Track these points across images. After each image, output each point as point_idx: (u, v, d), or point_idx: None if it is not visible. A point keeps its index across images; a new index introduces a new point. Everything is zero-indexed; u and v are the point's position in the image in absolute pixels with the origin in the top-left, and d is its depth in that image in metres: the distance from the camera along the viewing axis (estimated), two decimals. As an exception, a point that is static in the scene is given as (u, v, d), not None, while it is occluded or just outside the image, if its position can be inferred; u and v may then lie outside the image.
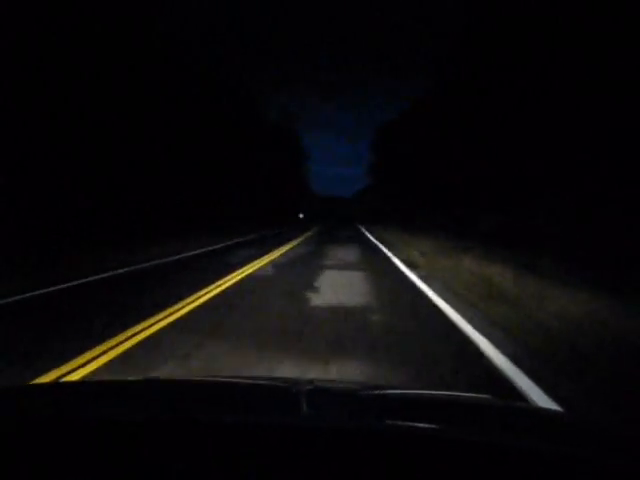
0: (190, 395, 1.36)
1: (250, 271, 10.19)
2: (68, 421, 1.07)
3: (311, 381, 1.56)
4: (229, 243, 19.72)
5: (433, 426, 1.06)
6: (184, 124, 26.85)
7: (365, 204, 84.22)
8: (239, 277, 9.21)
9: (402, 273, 10.08)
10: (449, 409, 1.30)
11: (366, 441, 0.97)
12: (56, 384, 2.96)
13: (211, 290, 7.57)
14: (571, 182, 13.98)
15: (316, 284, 8.40)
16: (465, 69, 25.47)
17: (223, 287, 7.98)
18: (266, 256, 13.51)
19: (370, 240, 22.27)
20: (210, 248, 16.83)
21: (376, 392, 1.51)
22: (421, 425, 1.06)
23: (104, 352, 4.21)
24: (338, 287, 8.04)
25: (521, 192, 17.72)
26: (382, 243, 19.57)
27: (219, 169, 35.63)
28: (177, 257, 13.36)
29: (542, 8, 14.83)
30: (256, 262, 11.90)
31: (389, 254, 14.45)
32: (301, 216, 64.44)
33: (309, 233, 29.32)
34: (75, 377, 3.60)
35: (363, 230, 32.74)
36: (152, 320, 5.41)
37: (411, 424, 1.07)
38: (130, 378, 2.25)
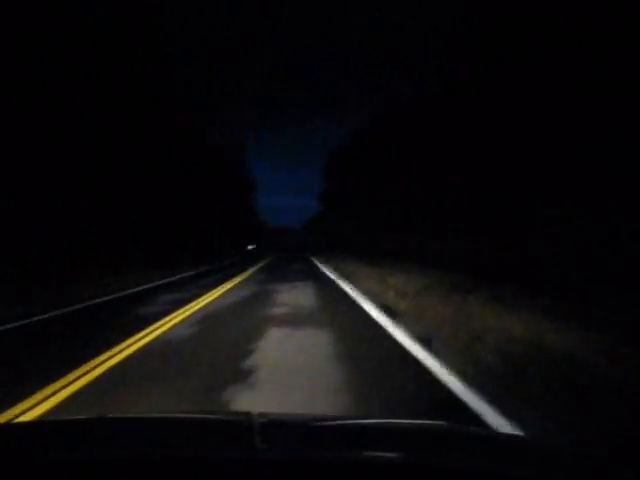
0: (143, 432, 1.33)
1: (163, 329, 7.02)
2: (18, 463, 1.03)
3: (264, 414, 1.49)
4: (157, 283, 15.58)
5: (389, 455, 1.05)
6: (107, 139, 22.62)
7: (316, 233, 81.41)
8: (144, 341, 6.16)
9: (387, 335, 6.38)
10: (405, 437, 1.29)
11: (321, 473, 0.96)
12: (5, 425, 2.68)
13: (81, 376, 4.30)
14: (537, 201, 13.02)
15: (251, 362, 4.96)
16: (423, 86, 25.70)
17: (105, 367, 4.88)
18: (194, 302, 10.01)
19: (328, 276, 18.11)
20: (129, 291, 12.90)
21: (330, 423, 1.51)
22: (377, 454, 1.06)
23: None
24: (287, 372, 4.59)
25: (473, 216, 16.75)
26: (343, 279, 15.92)
27: (157, 196, 31.60)
28: (71, 309, 9.60)
29: (536, 7, 13.94)
30: (178, 312, 8.67)
31: (358, 297, 10.60)
32: (249, 247, 60.47)
33: (255, 268, 25.83)
34: None
35: (317, 263, 28.62)
36: None
37: (367, 454, 1.06)
38: (81, 417, 2.15)
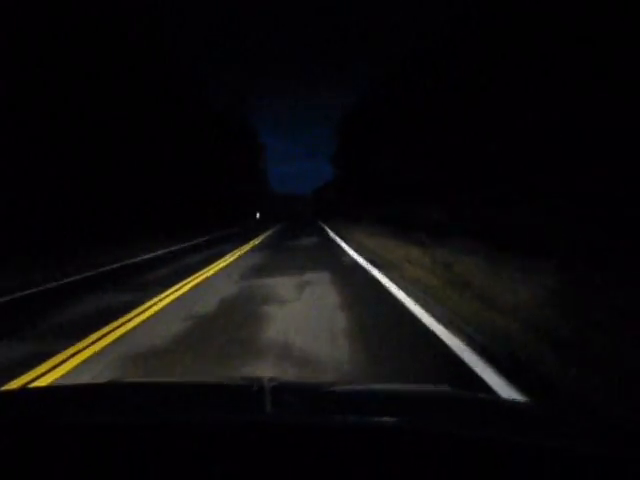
0: (155, 397, 1.36)
1: (177, 294, 7.19)
2: (35, 427, 1.06)
3: (274, 379, 1.57)
4: (167, 250, 16.14)
5: (398, 420, 1.07)
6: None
7: (327, 201, 79.74)
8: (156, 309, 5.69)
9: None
10: (413, 402, 1.32)
11: (331, 436, 0.98)
12: (22, 390, 2.91)
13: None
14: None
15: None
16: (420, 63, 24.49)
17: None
18: (205, 270, 10.06)
19: (346, 250, 14.90)
20: (135, 260, 13.25)
21: (339, 388, 1.60)
22: (386, 419, 1.07)
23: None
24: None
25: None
26: (367, 256, 12.71)
27: (163, 164, 29.99)
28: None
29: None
30: (198, 274, 9.31)
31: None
32: (258, 216, 59.10)
33: (255, 242, 24.52)
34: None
35: (329, 231, 26.82)
36: None
37: (376, 419, 1.08)
38: (94, 382, 2.53)
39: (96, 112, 19.63)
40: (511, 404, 1.78)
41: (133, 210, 24.25)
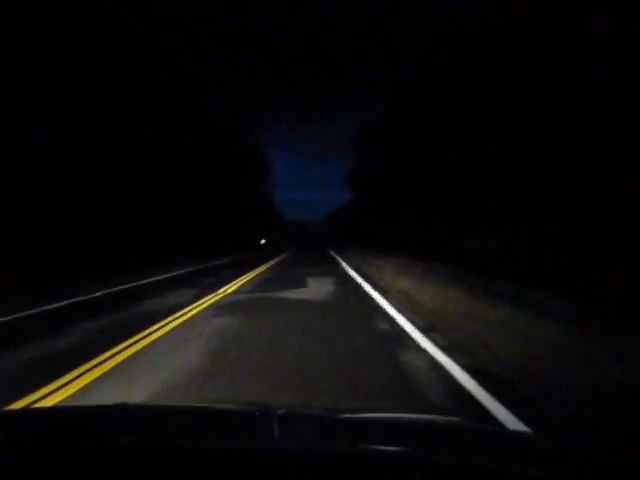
0: (162, 421, 1.36)
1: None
2: (37, 448, 1.05)
3: (283, 406, 1.58)
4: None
5: (405, 449, 1.07)
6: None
7: (340, 226, 73.76)
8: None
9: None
10: (421, 432, 1.31)
11: (339, 465, 0.97)
12: (25, 411, 2.83)
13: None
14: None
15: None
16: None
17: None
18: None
19: (362, 286, 11.44)
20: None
21: (348, 416, 1.53)
22: (393, 448, 1.07)
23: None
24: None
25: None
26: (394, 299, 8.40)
27: (160, 184, 27.50)
28: None
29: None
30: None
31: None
32: (263, 242, 52.96)
33: (260, 271, 18.75)
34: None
35: (346, 267, 20.13)
36: None
37: (383, 447, 1.08)
38: (101, 404, 2.42)
39: (95, 128, 19.53)
40: (520, 436, 1.81)
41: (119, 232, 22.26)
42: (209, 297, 10.01)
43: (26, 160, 15.51)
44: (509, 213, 15.96)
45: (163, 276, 15.40)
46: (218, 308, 8.64)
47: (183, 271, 17.84)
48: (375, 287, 11.40)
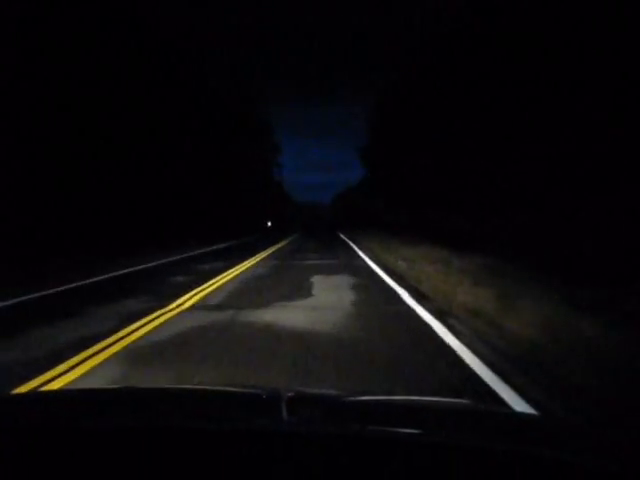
0: (168, 403, 1.34)
1: None
2: (47, 431, 1.05)
3: (292, 389, 1.67)
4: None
5: (412, 431, 1.07)
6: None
7: (351, 208, 69.15)
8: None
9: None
10: (430, 414, 1.32)
11: (348, 447, 0.97)
12: (34, 393, 2.96)
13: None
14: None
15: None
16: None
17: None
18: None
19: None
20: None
21: (357, 398, 1.53)
22: (403, 430, 1.07)
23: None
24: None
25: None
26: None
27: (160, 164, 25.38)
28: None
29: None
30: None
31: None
32: (269, 224, 48.58)
33: (263, 257, 14.77)
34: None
35: (362, 255, 16.60)
36: None
37: (393, 429, 1.07)
38: (107, 387, 2.54)
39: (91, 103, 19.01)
40: (528, 418, 1.80)
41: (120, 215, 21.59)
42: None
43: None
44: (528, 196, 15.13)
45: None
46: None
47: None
48: (421, 300, 7.16)
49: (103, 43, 19.85)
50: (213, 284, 9.31)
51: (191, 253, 18.30)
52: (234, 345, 4.75)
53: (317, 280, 9.82)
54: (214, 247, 22.09)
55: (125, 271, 11.95)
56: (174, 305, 6.96)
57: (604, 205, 11.54)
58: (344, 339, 4.92)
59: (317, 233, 39.68)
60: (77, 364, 4.19)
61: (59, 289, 8.91)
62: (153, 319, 6.01)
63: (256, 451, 0.94)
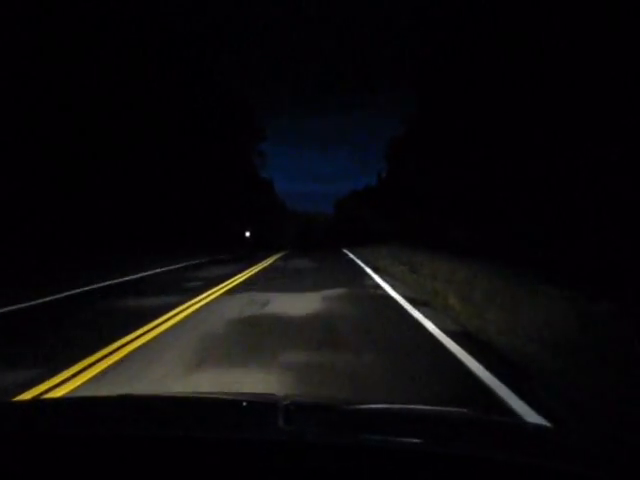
0: (167, 412, 1.33)
1: None
2: (46, 438, 1.05)
3: (288, 396, 1.53)
4: None
5: (412, 440, 1.05)
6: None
7: (360, 220, 56.79)
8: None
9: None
10: (428, 423, 1.28)
11: (344, 456, 0.95)
12: (34, 401, 2.94)
13: None
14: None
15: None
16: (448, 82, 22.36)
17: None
18: None
19: None
20: None
21: (353, 407, 1.51)
22: (399, 440, 1.05)
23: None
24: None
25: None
26: None
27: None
28: None
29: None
30: None
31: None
32: (247, 234, 35.58)
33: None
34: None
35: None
36: None
37: (389, 439, 1.06)
38: (106, 395, 2.43)
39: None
40: (528, 427, 1.75)
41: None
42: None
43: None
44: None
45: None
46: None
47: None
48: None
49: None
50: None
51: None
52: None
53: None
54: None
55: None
56: None
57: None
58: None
59: (316, 251, 26.96)
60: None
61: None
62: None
63: (252, 460, 0.92)
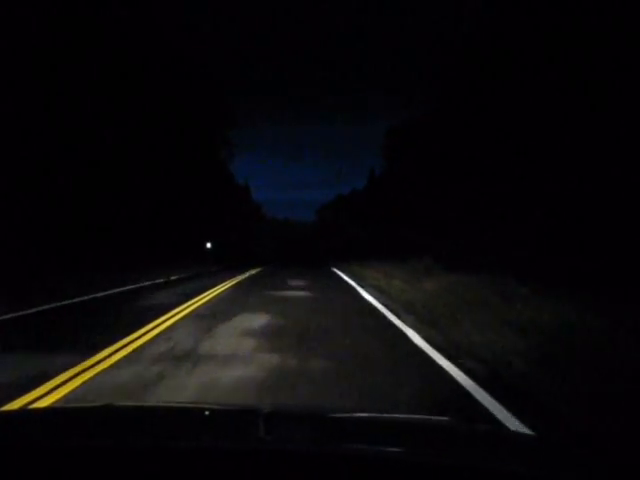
0: (149, 421, 1.28)
1: None
2: (30, 449, 1.00)
3: (268, 405, 1.54)
4: None
5: (394, 449, 1.01)
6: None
7: (338, 227, 50.68)
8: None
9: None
10: (413, 433, 1.23)
11: (325, 466, 0.92)
12: (21, 411, 2.80)
13: None
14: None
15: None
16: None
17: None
18: None
19: None
20: None
21: (336, 415, 1.47)
22: (381, 449, 1.01)
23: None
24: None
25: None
26: None
27: None
28: None
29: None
30: None
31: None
32: (209, 246, 28.78)
33: None
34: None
35: None
36: None
37: (371, 448, 1.02)
38: (88, 404, 2.37)
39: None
40: (509, 435, 1.74)
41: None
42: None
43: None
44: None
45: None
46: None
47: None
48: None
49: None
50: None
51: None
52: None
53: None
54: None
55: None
56: None
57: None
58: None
59: (299, 269, 20.36)
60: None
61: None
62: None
63: (232, 470, 0.90)
